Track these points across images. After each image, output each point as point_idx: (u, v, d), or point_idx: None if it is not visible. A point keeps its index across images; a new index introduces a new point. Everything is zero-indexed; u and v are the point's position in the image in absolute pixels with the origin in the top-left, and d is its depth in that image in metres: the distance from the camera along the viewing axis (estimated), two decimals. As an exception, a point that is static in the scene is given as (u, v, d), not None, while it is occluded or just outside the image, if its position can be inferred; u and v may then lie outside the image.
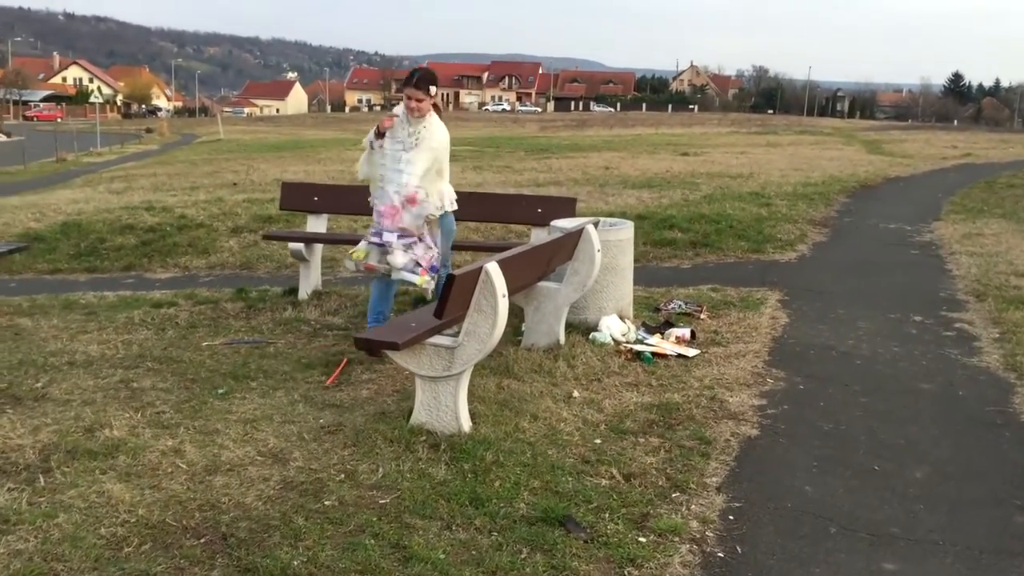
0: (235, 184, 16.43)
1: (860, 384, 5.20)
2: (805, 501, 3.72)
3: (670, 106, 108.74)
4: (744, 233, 10.09)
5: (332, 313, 6.76)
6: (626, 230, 6.23)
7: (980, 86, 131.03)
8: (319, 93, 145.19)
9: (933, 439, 4.39)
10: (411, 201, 5.34)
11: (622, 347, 5.69)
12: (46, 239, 10.12)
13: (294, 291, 7.34)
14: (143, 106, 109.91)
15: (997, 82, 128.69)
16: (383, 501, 3.56)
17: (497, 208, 7.37)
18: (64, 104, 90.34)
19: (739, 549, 3.33)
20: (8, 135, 46.55)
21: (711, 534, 3.43)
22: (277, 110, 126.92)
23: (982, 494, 3.79)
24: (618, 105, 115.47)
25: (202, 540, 3.23)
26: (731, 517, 3.57)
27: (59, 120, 73.41)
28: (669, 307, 6.78)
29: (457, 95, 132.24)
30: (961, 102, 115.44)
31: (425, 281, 5.40)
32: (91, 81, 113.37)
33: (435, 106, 5.50)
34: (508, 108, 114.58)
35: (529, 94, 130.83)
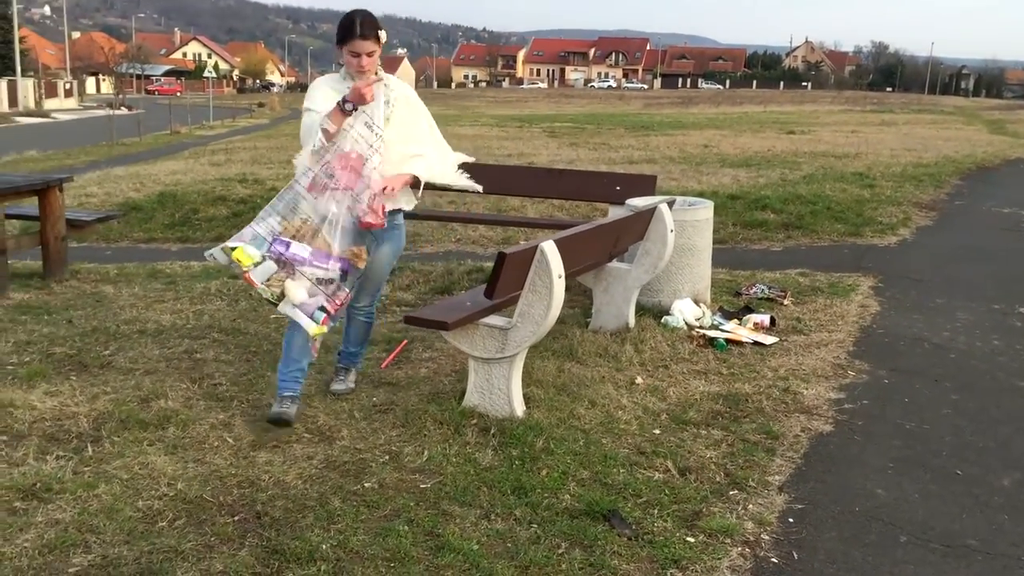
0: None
1: (951, 380, 4.83)
2: (875, 505, 3.44)
3: (782, 83, 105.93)
4: (842, 215, 9.61)
5: (404, 288, 6.69)
6: (704, 210, 5.95)
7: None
8: (427, 69, 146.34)
9: (1027, 444, 4.02)
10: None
11: (695, 332, 5.43)
12: (143, 208, 10.36)
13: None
14: (257, 81, 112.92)
15: None
16: (424, 486, 3.45)
17: (576, 185, 7.16)
18: (183, 79, 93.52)
19: (795, 555, 3.09)
20: (130, 108, 48.43)
21: (767, 537, 3.19)
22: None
23: (1077, 507, 3.44)
24: (727, 82, 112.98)
25: (236, 518, 3.18)
26: (791, 519, 3.32)
27: (178, 94, 76.06)
28: (751, 292, 6.47)
29: (563, 71, 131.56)
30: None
31: (322, 332, 3.85)
32: (209, 56, 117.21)
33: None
34: (614, 85, 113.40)
35: (636, 71, 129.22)
